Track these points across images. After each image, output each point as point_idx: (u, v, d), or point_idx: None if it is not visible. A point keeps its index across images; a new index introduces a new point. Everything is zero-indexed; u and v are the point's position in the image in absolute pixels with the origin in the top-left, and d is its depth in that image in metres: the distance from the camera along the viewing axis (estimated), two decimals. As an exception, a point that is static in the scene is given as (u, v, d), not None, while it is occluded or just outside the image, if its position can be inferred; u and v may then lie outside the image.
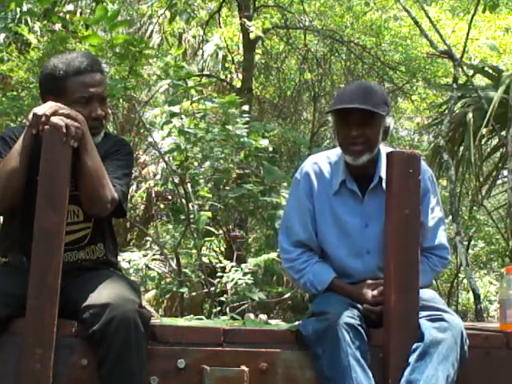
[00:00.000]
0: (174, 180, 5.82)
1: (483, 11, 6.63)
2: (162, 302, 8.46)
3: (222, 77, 10.55)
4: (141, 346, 2.19)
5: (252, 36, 7.46)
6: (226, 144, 5.35)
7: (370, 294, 2.53)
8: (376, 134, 2.58)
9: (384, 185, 2.60)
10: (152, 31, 10.77)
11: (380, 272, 2.57)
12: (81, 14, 9.58)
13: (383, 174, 2.62)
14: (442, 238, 2.70)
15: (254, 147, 5.30)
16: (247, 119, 5.44)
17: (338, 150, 2.72)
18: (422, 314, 2.38)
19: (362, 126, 2.54)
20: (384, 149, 2.69)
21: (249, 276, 5.14)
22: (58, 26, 8.67)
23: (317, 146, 8.26)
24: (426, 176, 2.62)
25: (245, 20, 7.66)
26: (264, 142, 5.41)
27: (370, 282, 2.57)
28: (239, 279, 5.09)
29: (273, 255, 4.98)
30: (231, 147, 5.34)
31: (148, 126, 6.21)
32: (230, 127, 5.22)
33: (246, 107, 5.60)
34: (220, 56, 10.83)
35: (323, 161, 2.73)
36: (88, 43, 4.75)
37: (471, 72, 7.31)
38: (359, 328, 2.35)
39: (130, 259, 6.07)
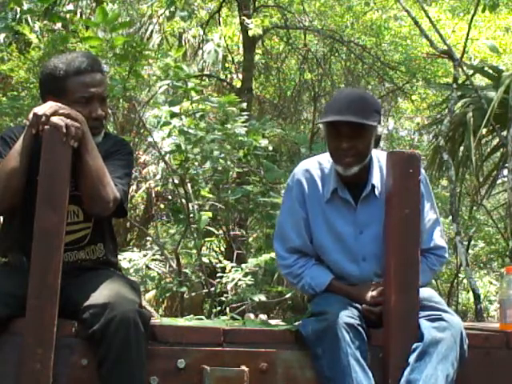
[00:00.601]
0: (174, 180, 5.82)
1: (483, 11, 6.63)
2: (162, 302, 8.45)
3: (222, 77, 10.55)
4: (141, 346, 2.19)
5: (251, 33, 7.45)
6: (226, 143, 5.35)
7: (369, 294, 2.53)
8: (367, 145, 2.55)
9: (377, 192, 2.60)
10: (152, 31, 10.76)
11: (376, 278, 2.58)
12: (81, 13, 9.58)
13: (375, 181, 2.61)
14: (437, 239, 2.70)
15: (253, 146, 5.29)
16: (246, 117, 5.44)
17: (329, 156, 2.70)
18: (422, 313, 2.38)
19: (353, 139, 2.50)
20: (376, 154, 2.67)
21: (249, 277, 5.14)
22: (58, 26, 8.68)
23: (316, 143, 8.22)
24: None
25: (244, 18, 7.65)
26: (263, 141, 5.40)
27: (370, 283, 2.57)
28: (239, 280, 5.09)
29: (273, 255, 4.97)
30: (231, 147, 5.34)
31: (148, 126, 6.22)
32: (228, 126, 5.22)
33: (244, 105, 5.60)
34: (220, 56, 10.83)
35: (315, 167, 2.70)
36: (88, 44, 4.75)
37: (471, 72, 7.31)
38: (359, 328, 2.35)
39: (131, 259, 6.07)
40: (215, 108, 5.35)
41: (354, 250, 2.62)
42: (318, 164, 2.71)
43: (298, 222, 2.67)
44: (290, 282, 2.74)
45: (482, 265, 10.75)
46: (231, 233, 6.55)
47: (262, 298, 5.33)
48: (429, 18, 7.10)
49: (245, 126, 5.30)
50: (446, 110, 6.89)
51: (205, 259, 6.04)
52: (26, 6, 5.73)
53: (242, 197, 5.62)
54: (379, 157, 2.64)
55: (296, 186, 2.69)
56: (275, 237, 2.77)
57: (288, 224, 2.70)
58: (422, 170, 2.73)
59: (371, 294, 2.53)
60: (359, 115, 2.47)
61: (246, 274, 5.14)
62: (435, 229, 2.70)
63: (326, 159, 2.71)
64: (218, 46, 10.54)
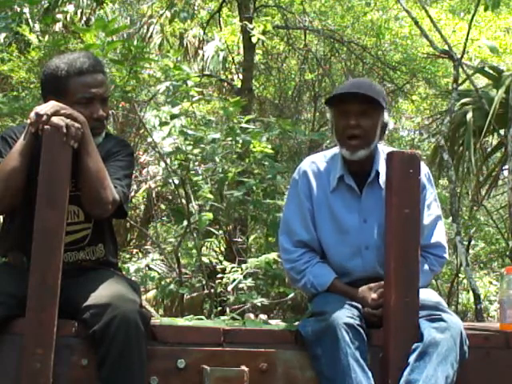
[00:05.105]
0: (174, 181, 5.82)
1: (485, 10, 6.62)
2: (161, 302, 8.46)
3: (223, 77, 10.55)
4: (141, 346, 2.19)
5: (254, 40, 7.48)
6: (226, 144, 5.35)
7: (370, 297, 2.53)
8: (374, 126, 2.59)
9: (381, 180, 2.62)
10: (152, 31, 10.76)
11: (380, 267, 2.57)
12: (81, 13, 9.58)
13: (380, 169, 2.63)
14: (438, 236, 2.70)
15: (257, 151, 5.29)
16: (253, 127, 5.45)
17: (334, 150, 2.73)
18: (421, 313, 2.38)
19: (361, 116, 2.56)
20: (383, 148, 2.70)
21: (250, 280, 5.13)
22: (58, 26, 8.69)
23: (318, 134, 8.20)
24: (422, 173, 2.61)
25: (246, 23, 7.66)
26: (264, 138, 5.40)
27: (371, 284, 2.56)
28: (240, 282, 5.07)
29: (273, 255, 4.97)
30: (233, 149, 5.34)
31: (148, 126, 6.21)
32: (231, 124, 5.22)
33: (251, 116, 5.60)
34: (220, 56, 10.83)
35: (320, 160, 2.75)
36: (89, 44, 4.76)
37: (471, 72, 7.31)
38: (359, 328, 2.35)
39: (138, 268, 6.12)
40: (215, 103, 5.36)
41: (357, 240, 2.62)
42: (323, 157, 2.76)
43: (305, 215, 2.68)
44: (293, 278, 2.73)
45: (482, 265, 10.73)
46: (232, 239, 6.53)
47: (265, 302, 5.33)
48: (430, 17, 7.10)
49: (248, 132, 5.30)
50: (446, 109, 6.89)
51: (205, 259, 6.04)
52: (26, 10, 5.74)
53: (244, 201, 5.60)
54: (384, 151, 2.67)
55: (302, 179, 2.72)
56: (280, 231, 2.77)
57: (295, 218, 2.70)
58: (425, 166, 2.75)
59: (372, 296, 2.53)
60: (368, 92, 2.54)
61: (245, 277, 5.13)
62: (437, 225, 2.70)
63: (331, 152, 2.76)
64: (220, 48, 10.55)
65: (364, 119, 2.57)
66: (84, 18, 9.54)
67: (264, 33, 7.47)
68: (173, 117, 5.05)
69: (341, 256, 2.65)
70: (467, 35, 6.74)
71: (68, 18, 8.72)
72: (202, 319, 2.95)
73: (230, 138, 5.26)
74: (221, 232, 6.76)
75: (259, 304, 5.29)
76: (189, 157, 5.24)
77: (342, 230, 2.64)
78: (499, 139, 6.99)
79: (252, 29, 7.00)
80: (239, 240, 6.70)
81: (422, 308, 2.39)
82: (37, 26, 7.18)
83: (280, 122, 5.77)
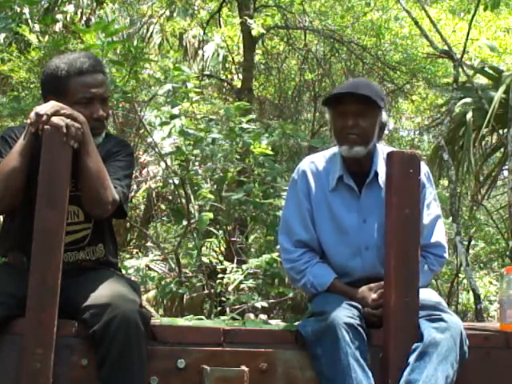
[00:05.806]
0: (175, 181, 5.82)
1: (485, 10, 6.63)
2: (161, 302, 8.46)
3: (223, 77, 10.56)
4: (141, 346, 2.19)
5: (254, 33, 7.47)
6: (226, 141, 5.35)
7: (370, 298, 2.52)
8: (372, 126, 2.60)
9: (380, 180, 2.62)
10: (152, 31, 10.76)
11: (380, 267, 2.56)
12: (81, 13, 9.58)
13: (379, 169, 2.64)
14: (438, 235, 2.70)
15: (257, 152, 5.29)
16: (253, 127, 5.45)
17: (334, 149, 2.74)
18: (421, 313, 2.38)
19: (358, 116, 2.57)
20: (382, 148, 2.70)
21: (251, 280, 5.14)
22: (58, 26, 8.69)
23: (318, 138, 8.22)
24: (422, 173, 2.61)
25: (246, 18, 7.65)
26: (264, 142, 5.40)
27: (371, 285, 2.56)
28: (241, 282, 5.07)
29: (273, 255, 4.97)
30: (232, 149, 5.34)
31: (148, 126, 6.21)
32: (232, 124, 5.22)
33: (252, 116, 5.60)
34: (221, 56, 10.83)
35: (320, 160, 2.75)
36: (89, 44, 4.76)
37: (471, 72, 7.32)
38: (359, 328, 2.35)
39: (138, 267, 6.11)
40: (216, 107, 5.36)
41: (357, 240, 2.62)
42: (323, 157, 2.76)
43: (304, 215, 2.68)
44: (292, 277, 2.73)
45: (482, 265, 10.74)
46: (231, 239, 6.53)
47: (264, 304, 5.34)
48: (430, 18, 7.10)
49: (248, 132, 5.30)
50: (446, 110, 6.90)
51: (205, 259, 6.03)
52: (26, 10, 5.75)
53: (245, 202, 5.59)
54: (384, 150, 2.67)
55: (300, 178, 2.72)
56: (280, 231, 2.77)
57: (294, 217, 2.70)
58: (425, 165, 2.75)
59: (372, 296, 2.53)
60: (365, 92, 2.54)
61: (246, 277, 5.13)
62: (436, 224, 2.70)
63: (331, 152, 2.75)
64: (219, 46, 10.54)
65: (362, 119, 2.57)
66: (84, 18, 9.54)
67: (264, 31, 7.47)
68: (173, 117, 5.05)
69: (341, 256, 2.65)
70: (467, 35, 6.75)
71: (68, 18, 8.72)
72: (202, 319, 2.94)
73: (230, 139, 5.26)
74: (221, 232, 6.76)
75: (259, 306, 5.30)
76: (189, 157, 5.24)
77: (341, 230, 2.64)
78: (499, 139, 6.99)
79: (252, 24, 7.00)
80: (238, 240, 6.70)
81: (422, 308, 2.39)
82: (37, 26, 7.17)
83: (280, 123, 5.76)
